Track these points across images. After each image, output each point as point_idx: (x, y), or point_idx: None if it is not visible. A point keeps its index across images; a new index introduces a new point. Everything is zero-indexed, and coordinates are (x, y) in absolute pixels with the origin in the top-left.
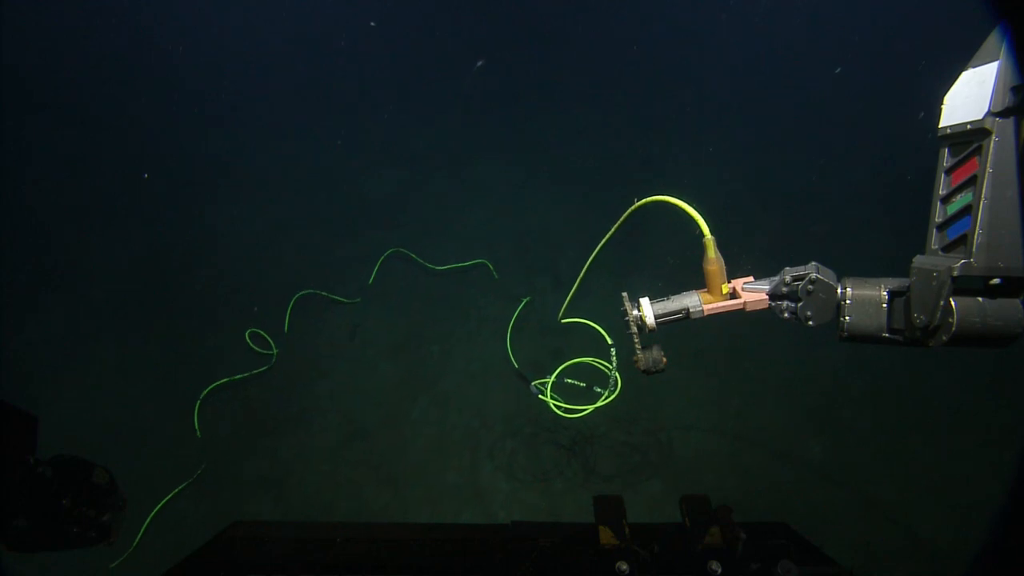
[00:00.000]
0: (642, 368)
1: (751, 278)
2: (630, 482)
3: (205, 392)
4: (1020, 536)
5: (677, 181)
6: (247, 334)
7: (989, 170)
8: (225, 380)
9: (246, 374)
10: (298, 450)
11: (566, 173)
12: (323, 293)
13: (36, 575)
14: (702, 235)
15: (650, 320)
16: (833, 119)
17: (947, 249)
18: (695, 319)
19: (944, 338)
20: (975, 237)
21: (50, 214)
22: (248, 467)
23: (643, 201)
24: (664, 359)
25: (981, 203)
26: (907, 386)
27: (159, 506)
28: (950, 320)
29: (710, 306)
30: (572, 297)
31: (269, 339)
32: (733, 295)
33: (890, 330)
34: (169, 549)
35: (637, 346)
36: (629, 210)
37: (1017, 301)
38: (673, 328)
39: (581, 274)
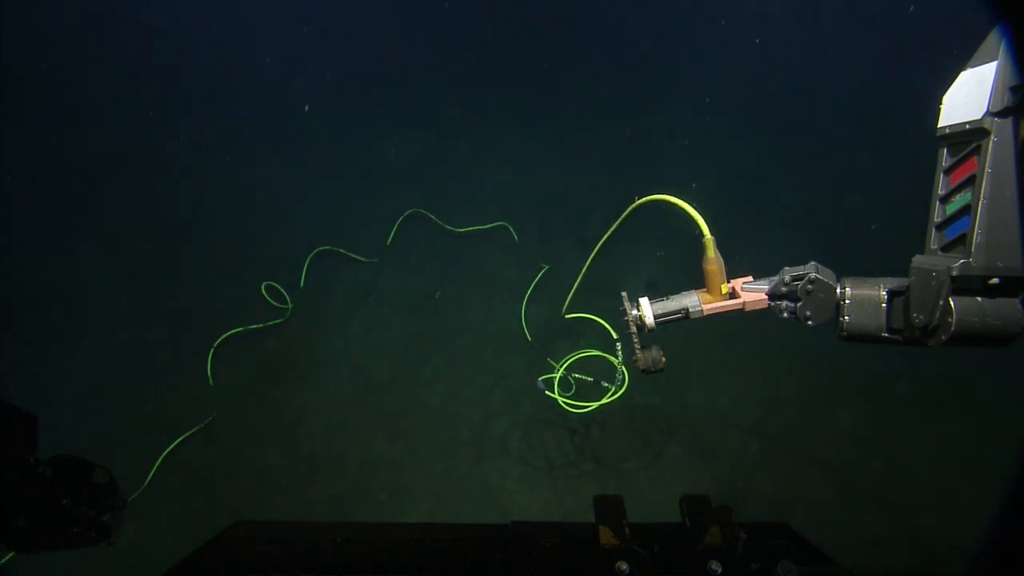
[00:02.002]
0: (641, 368)
1: (750, 278)
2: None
3: (219, 341)
4: (1020, 536)
5: (701, 154)
6: (263, 287)
7: (988, 170)
8: (239, 330)
9: (260, 325)
10: (310, 401)
11: (592, 145)
12: (340, 250)
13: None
14: (702, 235)
15: (649, 320)
16: (833, 119)
17: (946, 249)
18: (694, 319)
19: (943, 338)
20: (974, 237)
21: (82, 167)
22: (259, 416)
23: (643, 200)
24: (663, 359)
25: (980, 203)
26: (907, 385)
27: (169, 448)
28: (949, 320)
29: (709, 306)
30: (575, 293)
31: (285, 293)
32: (732, 295)
33: (889, 330)
34: (170, 545)
35: (636, 346)
36: (629, 209)
37: (1016, 301)
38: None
39: (583, 271)
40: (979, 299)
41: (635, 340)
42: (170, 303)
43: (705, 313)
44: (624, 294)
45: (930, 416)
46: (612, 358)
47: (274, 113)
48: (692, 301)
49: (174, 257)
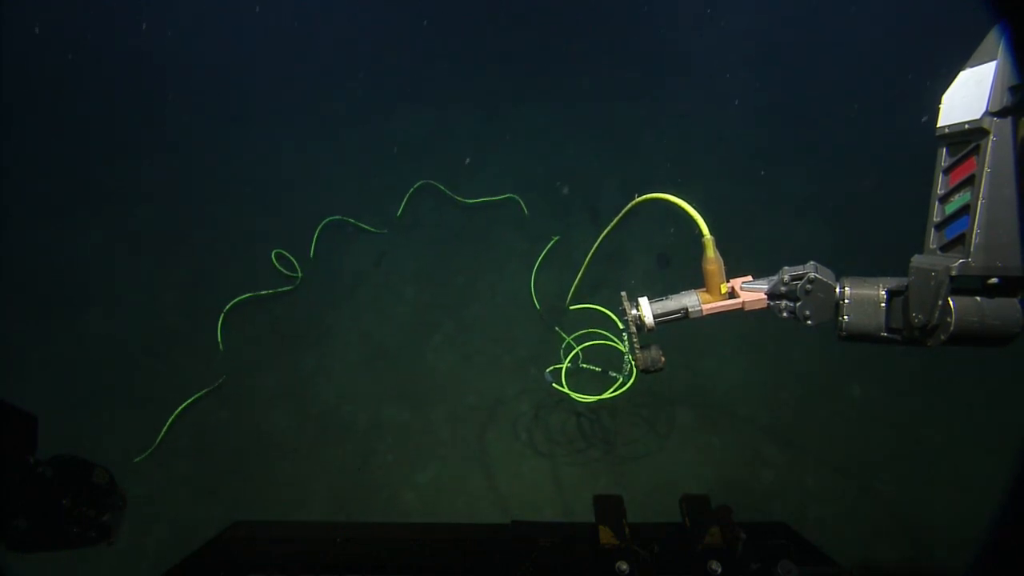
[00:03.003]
0: (641, 368)
1: (750, 277)
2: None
3: (229, 306)
4: (1020, 536)
5: (712, 136)
6: (272, 254)
7: (987, 170)
8: (249, 295)
9: (270, 291)
10: (318, 367)
11: (605, 124)
12: (350, 220)
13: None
14: (701, 235)
15: (649, 320)
16: (832, 119)
17: (945, 249)
18: (694, 319)
19: (942, 337)
20: (973, 237)
21: (93, 138)
22: (268, 379)
23: (643, 198)
24: (662, 358)
25: (979, 203)
26: (907, 383)
27: (180, 408)
28: (948, 319)
29: (709, 306)
30: (579, 285)
31: (295, 261)
32: (732, 294)
33: (889, 329)
34: (179, 503)
35: (636, 345)
36: (629, 206)
37: (1015, 300)
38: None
39: (584, 265)
40: (978, 299)
41: (635, 340)
42: (181, 271)
43: (704, 313)
44: (624, 294)
45: (931, 414)
46: (620, 346)
47: (286, 87)
48: (691, 301)
49: (185, 226)
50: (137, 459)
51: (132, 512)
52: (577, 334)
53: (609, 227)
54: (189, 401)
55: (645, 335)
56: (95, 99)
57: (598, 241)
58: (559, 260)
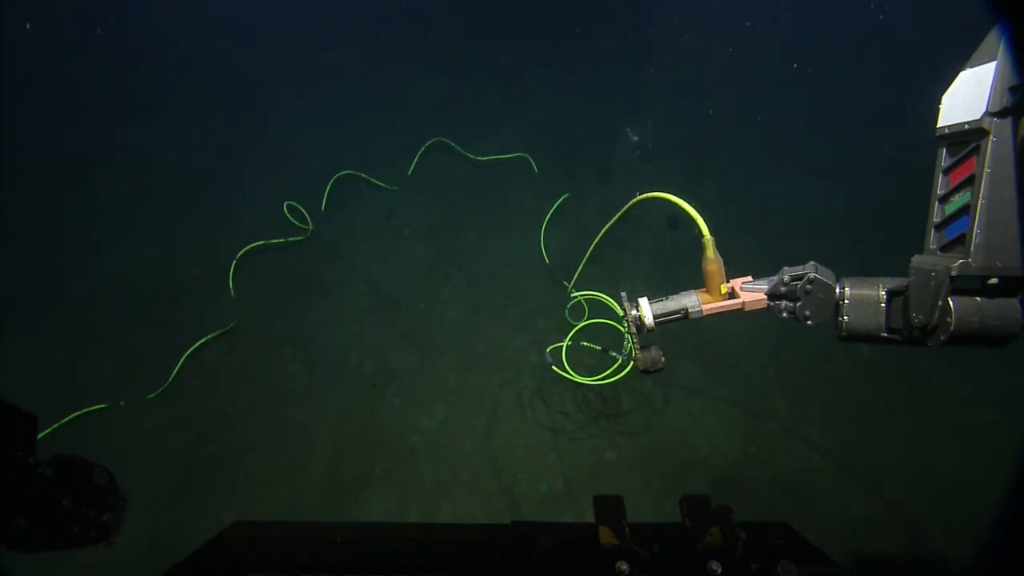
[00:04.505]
0: (641, 368)
1: (749, 278)
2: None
3: (241, 253)
4: (1020, 536)
5: (722, 98)
6: (285, 206)
7: (987, 170)
8: (260, 243)
9: (281, 240)
10: (328, 314)
11: (612, 90)
12: (362, 175)
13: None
14: (701, 235)
15: (649, 320)
16: (833, 118)
17: (945, 249)
18: (694, 319)
19: (942, 338)
20: (973, 237)
21: (110, 96)
22: (278, 325)
23: (643, 196)
24: (662, 359)
25: (979, 203)
26: (906, 383)
27: (192, 348)
28: (948, 320)
29: (709, 306)
30: (580, 278)
31: (306, 214)
32: (732, 295)
33: (889, 330)
34: (189, 440)
35: (636, 346)
36: (628, 205)
37: (1015, 300)
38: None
39: (585, 258)
40: (978, 299)
41: (635, 340)
42: (195, 222)
43: (704, 313)
44: (624, 294)
45: (931, 413)
46: (622, 327)
47: (307, 48)
48: (691, 301)
49: (199, 180)
50: (150, 396)
51: (145, 447)
52: (580, 294)
53: (609, 225)
54: (200, 342)
55: (645, 335)
56: (119, 61)
57: (598, 238)
58: (569, 218)
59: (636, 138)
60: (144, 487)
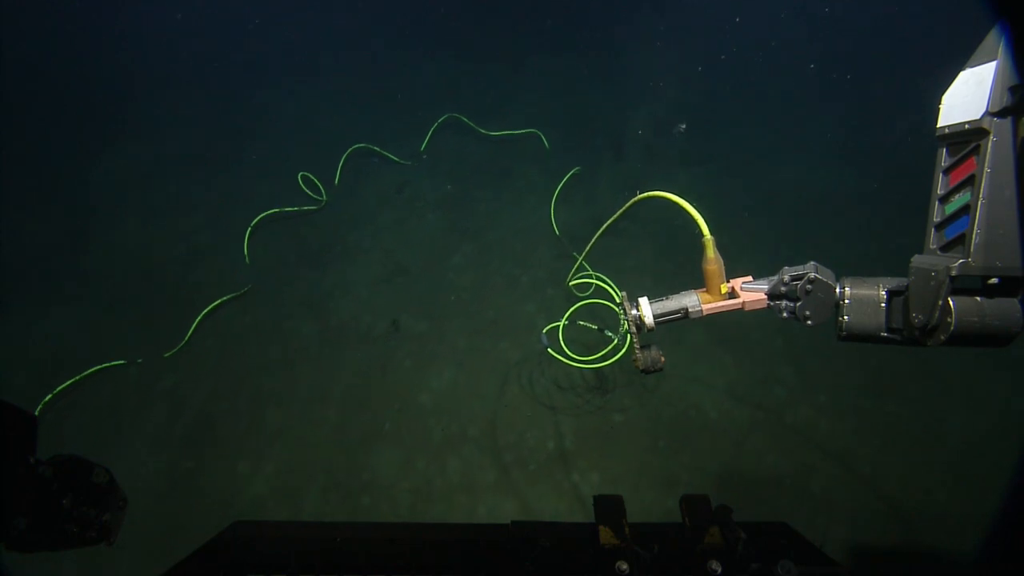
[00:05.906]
0: (641, 368)
1: (749, 277)
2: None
3: (256, 220)
4: (1020, 536)
5: (726, 82)
6: (299, 176)
7: (987, 170)
8: (275, 211)
9: (295, 208)
10: (340, 281)
11: (622, 73)
12: (376, 148)
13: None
14: (701, 235)
15: (649, 320)
16: (832, 118)
17: (945, 248)
18: (694, 319)
19: (942, 337)
20: (973, 236)
21: (128, 70)
22: (291, 290)
23: (643, 195)
24: (662, 358)
25: (979, 203)
26: (907, 381)
27: (207, 309)
28: (948, 319)
29: (709, 306)
30: (577, 276)
31: (320, 185)
32: (732, 295)
33: (889, 329)
34: (205, 392)
35: (636, 345)
36: (628, 204)
37: (1015, 300)
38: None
39: (585, 252)
40: (978, 299)
41: (635, 340)
42: (211, 193)
43: (704, 313)
44: (624, 294)
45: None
46: (617, 308)
47: (324, 27)
48: (691, 301)
49: (217, 154)
50: (167, 354)
51: (164, 398)
52: (576, 280)
53: (608, 222)
54: (215, 304)
55: (645, 335)
56: (134, 40)
57: (597, 234)
58: (580, 191)
59: (683, 126)
60: (160, 434)
